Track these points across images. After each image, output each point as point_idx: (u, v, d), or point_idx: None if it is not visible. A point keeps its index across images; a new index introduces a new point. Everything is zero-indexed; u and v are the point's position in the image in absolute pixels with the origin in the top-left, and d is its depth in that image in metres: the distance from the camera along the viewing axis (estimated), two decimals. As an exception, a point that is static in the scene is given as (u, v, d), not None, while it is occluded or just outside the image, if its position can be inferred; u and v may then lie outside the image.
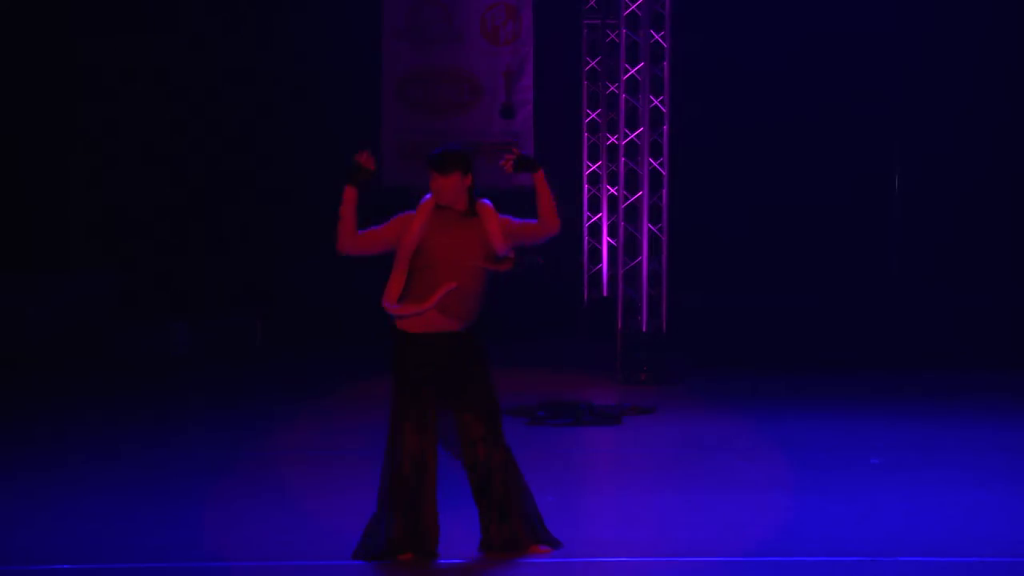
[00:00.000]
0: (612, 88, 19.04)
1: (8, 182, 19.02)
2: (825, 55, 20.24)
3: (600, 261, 19.89)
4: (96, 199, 19.65)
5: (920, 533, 7.78)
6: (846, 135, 20.89)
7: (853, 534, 7.73)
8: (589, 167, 20.06)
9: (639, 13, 15.62)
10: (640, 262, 15.59)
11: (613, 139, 18.94)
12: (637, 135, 15.78)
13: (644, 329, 15.50)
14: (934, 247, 20.96)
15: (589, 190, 20.10)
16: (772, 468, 9.96)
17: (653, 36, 15.61)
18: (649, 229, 15.57)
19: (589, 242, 20.09)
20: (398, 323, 7.22)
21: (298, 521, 8.09)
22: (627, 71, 15.86)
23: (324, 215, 19.95)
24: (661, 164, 15.65)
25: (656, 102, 15.64)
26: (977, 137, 20.57)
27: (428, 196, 7.30)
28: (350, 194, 7.23)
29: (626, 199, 15.85)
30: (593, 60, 19.86)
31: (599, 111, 19.80)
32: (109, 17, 19.32)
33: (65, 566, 7.08)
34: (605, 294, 19.64)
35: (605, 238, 19.68)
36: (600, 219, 19.86)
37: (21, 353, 16.79)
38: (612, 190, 19.13)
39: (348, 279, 19.50)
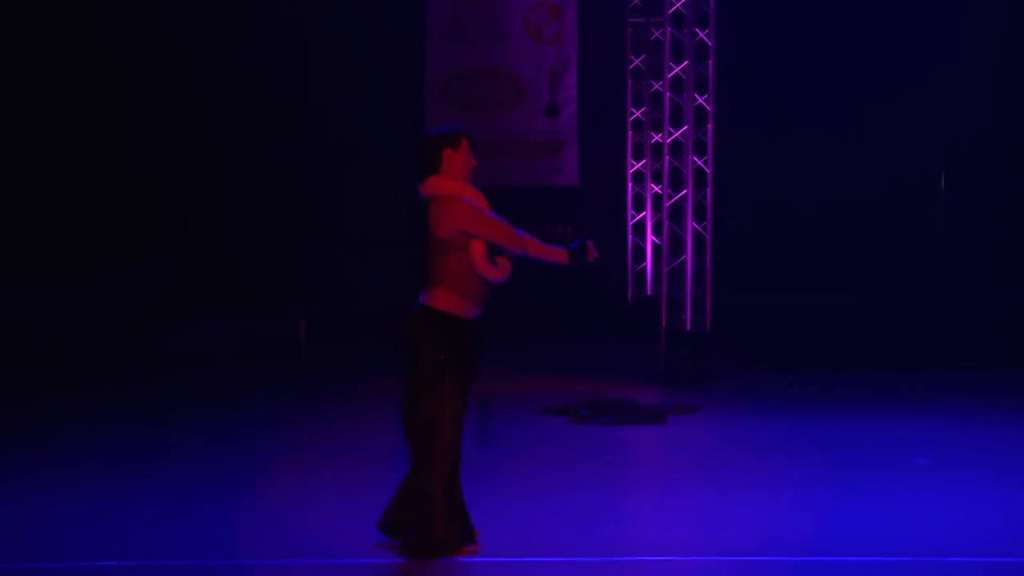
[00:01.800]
0: (656, 86, 19.00)
1: (48, 181, 19.14)
2: (870, 53, 20.14)
3: (644, 259, 19.87)
4: (137, 197, 19.74)
5: (963, 533, 7.74)
6: (891, 134, 20.76)
7: (895, 534, 7.70)
8: (633, 165, 20.04)
9: (684, 11, 15.60)
10: (684, 261, 15.57)
11: (657, 137, 18.91)
12: (681, 133, 15.76)
13: (688, 328, 15.49)
14: (980, 247, 20.81)
15: (633, 188, 20.08)
16: (815, 468, 9.93)
17: (698, 34, 15.58)
18: (693, 227, 15.55)
19: (633, 240, 20.07)
20: (446, 306, 7.14)
21: (333, 519, 8.12)
22: (671, 69, 15.85)
23: (365, 213, 19.91)
24: (705, 162, 15.62)
25: (700, 100, 15.62)
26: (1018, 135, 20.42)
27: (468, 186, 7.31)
28: (557, 256, 7.33)
29: (670, 197, 15.84)
30: (637, 58, 19.84)
31: (643, 109, 19.78)
32: (144, 15, 19.39)
33: (100, 563, 7.13)
34: (649, 292, 19.61)
35: (649, 236, 19.66)
36: (644, 217, 19.84)
37: (60, 351, 16.91)
38: (656, 188, 19.10)
39: (390, 277, 19.59)
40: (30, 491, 9.03)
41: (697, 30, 15.59)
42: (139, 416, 12.75)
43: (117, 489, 9.12)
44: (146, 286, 18.75)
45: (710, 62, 15.59)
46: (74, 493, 8.96)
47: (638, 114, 19.93)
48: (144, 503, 8.63)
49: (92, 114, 19.38)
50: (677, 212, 15.76)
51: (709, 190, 15.61)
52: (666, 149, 15.95)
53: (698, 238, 15.58)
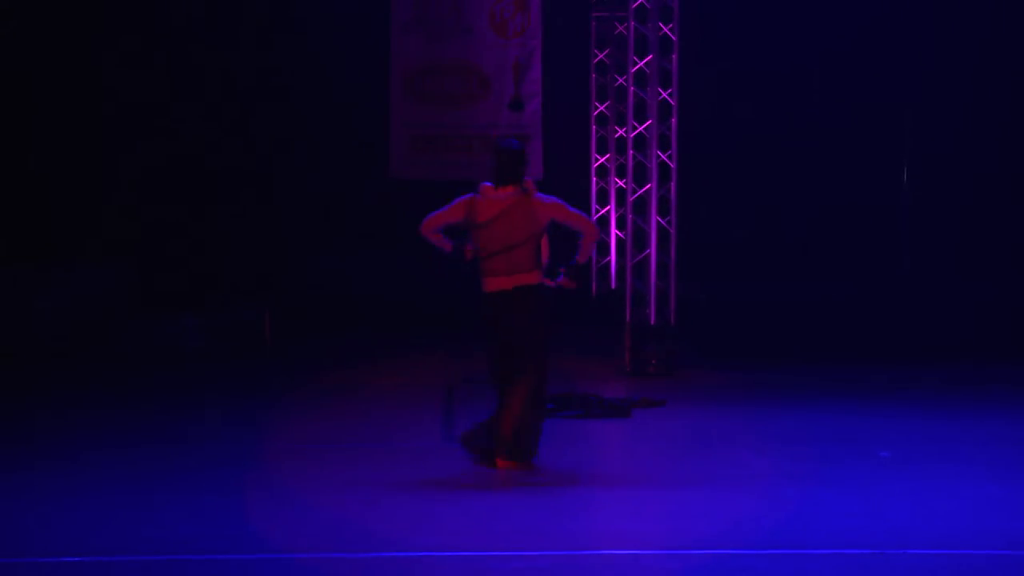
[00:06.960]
0: (621, 81, 19.02)
1: (20, 174, 19.06)
2: (834, 46, 20.22)
3: (608, 254, 19.89)
4: (107, 191, 19.68)
5: (930, 526, 7.77)
6: (855, 128, 20.87)
7: (862, 527, 7.71)
8: (597, 160, 20.06)
9: (648, 5, 15.60)
10: (648, 255, 15.58)
11: (621, 132, 18.92)
12: (645, 128, 15.76)
13: (652, 322, 15.50)
14: (944, 239, 20.94)
15: (597, 183, 20.09)
16: (781, 461, 9.95)
17: (662, 28, 15.59)
18: (657, 222, 15.56)
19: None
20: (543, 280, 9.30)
21: (303, 514, 8.08)
22: (635, 64, 15.84)
23: (332, 207, 19.88)
24: (669, 157, 15.63)
25: (664, 95, 15.62)
26: (985, 129, 20.56)
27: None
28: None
29: (634, 192, 15.83)
30: (602, 53, 19.84)
31: (608, 104, 19.78)
32: (122, 14, 19.36)
33: (73, 559, 7.08)
34: (613, 287, 19.63)
35: (613, 231, 19.68)
36: (608, 212, 19.85)
37: (31, 345, 16.81)
38: (620, 183, 19.12)
39: (358, 270, 19.55)
40: (12, 488, 8.98)
41: (661, 24, 15.59)
42: (108, 410, 12.68)
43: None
44: (125, 279, 18.69)
45: (674, 56, 15.60)
46: (84, 486, 8.92)
47: (602, 108, 19.94)
48: (118, 498, 8.58)
49: (64, 108, 19.33)
50: (641, 206, 15.77)
51: (673, 184, 15.62)
52: (630, 143, 15.95)
53: (662, 232, 15.59)
